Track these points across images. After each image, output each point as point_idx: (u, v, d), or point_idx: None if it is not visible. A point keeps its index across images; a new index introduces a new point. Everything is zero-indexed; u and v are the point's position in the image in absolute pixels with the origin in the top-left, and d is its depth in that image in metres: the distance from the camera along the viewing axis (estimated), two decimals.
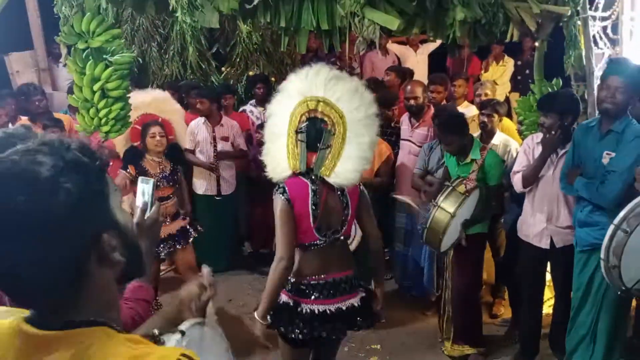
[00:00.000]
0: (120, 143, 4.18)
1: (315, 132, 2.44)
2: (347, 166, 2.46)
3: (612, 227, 2.79)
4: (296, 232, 2.50)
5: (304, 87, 2.48)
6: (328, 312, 2.53)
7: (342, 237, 2.63)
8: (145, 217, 1.47)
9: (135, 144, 4.13)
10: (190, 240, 4.19)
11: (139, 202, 1.50)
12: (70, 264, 0.87)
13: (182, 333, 1.23)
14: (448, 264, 3.80)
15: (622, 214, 2.77)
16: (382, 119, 4.66)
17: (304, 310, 2.53)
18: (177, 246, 4.11)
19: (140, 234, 1.35)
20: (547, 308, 3.89)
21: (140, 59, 6.46)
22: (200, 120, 5.05)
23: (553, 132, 3.35)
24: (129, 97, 3.93)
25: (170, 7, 3.26)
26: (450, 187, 3.46)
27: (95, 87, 3.43)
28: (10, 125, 4.76)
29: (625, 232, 2.75)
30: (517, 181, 3.53)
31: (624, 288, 2.85)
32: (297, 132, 2.44)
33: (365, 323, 2.68)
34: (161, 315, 1.42)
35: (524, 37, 4.20)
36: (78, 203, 0.84)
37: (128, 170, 3.94)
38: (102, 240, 0.90)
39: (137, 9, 3.83)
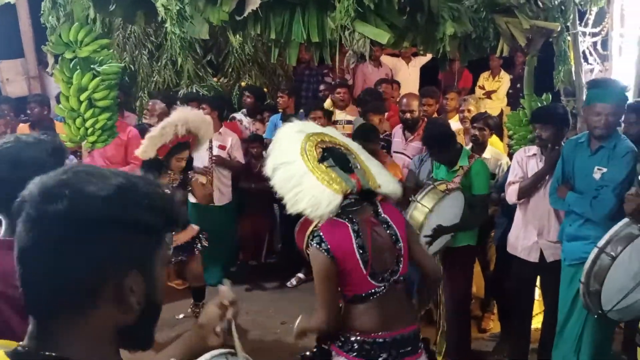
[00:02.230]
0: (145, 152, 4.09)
1: (340, 155, 2.28)
2: (385, 178, 2.34)
3: (595, 250, 2.77)
4: (346, 285, 2.26)
5: (299, 128, 2.37)
6: None
7: (401, 279, 2.34)
8: None
9: (160, 157, 3.98)
10: (196, 253, 4.21)
11: None
12: (85, 277, 0.82)
13: None
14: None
15: (606, 237, 2.76)
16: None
17: None
18: (182, 258, 4.15)
19: None
20: (536, 323, 3.86)
21: (131, 66, 6.42)
22: None
23: (557, 147, 3.35)
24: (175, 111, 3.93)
25: (160, 18, 3.24)
26: (432, 186, 3.43)
27: (82, 97, 3.39)
28: (8, 132, 4.73)
29: (610, 257, 2.71)
30: (511, 192, 3.51)
31: (600, 312, 2.84)
32: (321, 162, 2.22)
33: None
34: (182, 343, 1.27)
35: (514, 52, 4.21)
36: (129, 226, 0.84)
37: None
38: (129, 275, 0.84)
39: (127, 18, 3.81)
